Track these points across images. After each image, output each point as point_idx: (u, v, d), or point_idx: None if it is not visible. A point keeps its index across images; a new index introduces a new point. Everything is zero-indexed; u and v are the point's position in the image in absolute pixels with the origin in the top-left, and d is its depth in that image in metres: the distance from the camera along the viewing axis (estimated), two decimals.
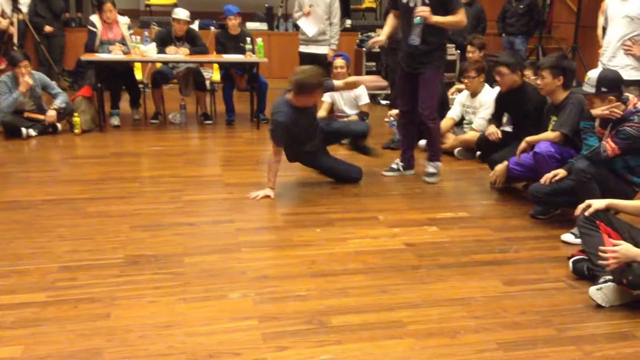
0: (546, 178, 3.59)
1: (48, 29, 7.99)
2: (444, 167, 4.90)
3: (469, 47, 5.97)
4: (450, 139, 5.33)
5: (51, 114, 5.69)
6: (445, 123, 5.36)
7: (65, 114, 5.80)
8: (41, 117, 5.71)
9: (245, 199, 4.11)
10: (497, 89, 5.30)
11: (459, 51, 7.80)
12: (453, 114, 5.43)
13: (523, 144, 3.92)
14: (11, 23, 7.36)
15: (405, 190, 4.39)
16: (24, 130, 5.54)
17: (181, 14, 6.24)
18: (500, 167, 4.23)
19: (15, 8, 7.36)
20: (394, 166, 4.78)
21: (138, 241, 3.32)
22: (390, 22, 4.53)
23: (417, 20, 4.11)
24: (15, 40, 7.19)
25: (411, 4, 4.22)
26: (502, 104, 4.71)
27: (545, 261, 3.21)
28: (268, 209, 3.95)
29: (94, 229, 3.48)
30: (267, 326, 2.48)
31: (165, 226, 3.57)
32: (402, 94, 4.58)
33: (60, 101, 5.78)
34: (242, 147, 5.71)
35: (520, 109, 4.51)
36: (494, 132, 4.62)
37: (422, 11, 4.08)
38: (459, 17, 4.18)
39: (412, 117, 4.56)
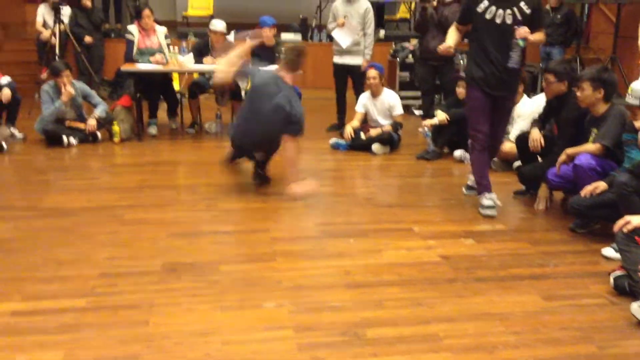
0: (586, 191, 3.52)
1: (88, 39, 8.18)
2: None
3: None
4: None
5: (91, 122, 5.83)
6: None
7: (104, 123, 5.93)
8: (82, 125, 5.86)
9: (279, 208, 4.13)
10: (535, 99, 5.25)
11: None
12: None
13: (563, 156, 3.86)
14: (53, 34, 7.57)
15: (440, 202, 4.35)
16: (65, 138, 5.68)
17: (218, 25, 6.34)
18: (543, 191, 4.18)
19: (58, 19, 7.57)
20: (470, 183, 4.51)
21: (175, 249, 3.37)
22: (454, 35, 4.13)
23: (521, 42, 3.76)
24: (57, 50, 7.39)
25: (499, 21, 3.81)
26: (548, 109, 4.61)
27: (586, 276, 3.14)
28: (302, 219, 3.96)
29: (132, 236, 3.54)
30: (302, 336, 2.48)
31: (201, 234, 3.61)
32: (483, 115, 4.01)
33: (100, 110, 5.93)
34: (277, 156, 5.73)
35: (562, 118, 4.42)
36: (536, 139, 4.45)
37: (525, 32, 3.72)
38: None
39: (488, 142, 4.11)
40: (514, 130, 5.11)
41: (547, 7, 8.02)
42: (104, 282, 2.94)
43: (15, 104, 5.95)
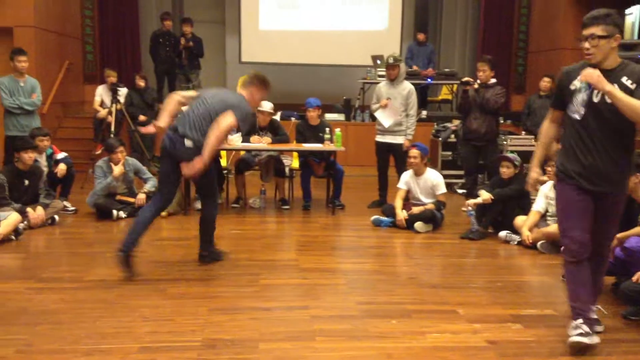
0: (638, 276, 3.39)
1: (142, 117, 8.58)
2: (527, 261, 4.72)
3: None
4: (534, 232, 5.17)
5: (141, 197, 6.02)
6: (532, 217, 5.23)
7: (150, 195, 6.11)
8: (132, 200, 6.05)
9: (319, 285, 4.10)
10: None
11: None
12: (538, 207, 5.27)
13: (614, 241, 3.74)
14: (110, 112, 7.99)
15: (486, 283, 4.24)
16: (114, 212, 5.87)
17: (266, 106, 6.58)
18: None
19: (115, 99, 8.01)
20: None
21: (216, 324, 3.36)
22: (550, 130, 3.37)
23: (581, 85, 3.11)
24: (112, 128, 7.77)
25: (597, 100, 3.06)
26: None
27: None
28: (343, 297, 3.91)
29: (174, 310, 3.56)
30: None
31: (242, 310, 3.60)
32: (578, 218, 3.16)
33: (150, 185, 6.13)
34: (318, 232, 5.76)
35: None
36: None
37: (590, 74, 3.01)
38: None
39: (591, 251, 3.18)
40: None
41: None
42: (144, 356, 2.94)
43: (70, 178, 6.23)
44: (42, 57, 8.75)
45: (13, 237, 5.03)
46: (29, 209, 5.41)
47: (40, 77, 7.34)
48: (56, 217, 5.72)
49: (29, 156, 5.51)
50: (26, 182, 5.56)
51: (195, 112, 4.20)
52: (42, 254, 4.92)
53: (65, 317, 3.41)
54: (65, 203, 6.18)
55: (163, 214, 6.04)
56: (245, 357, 2.97)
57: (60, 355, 2.94)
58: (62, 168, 6.08)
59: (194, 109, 4.22)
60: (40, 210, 5.51)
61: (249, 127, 4.27)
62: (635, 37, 9.60)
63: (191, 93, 4.47)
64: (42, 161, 6.05)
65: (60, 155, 6.30)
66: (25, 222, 5.32)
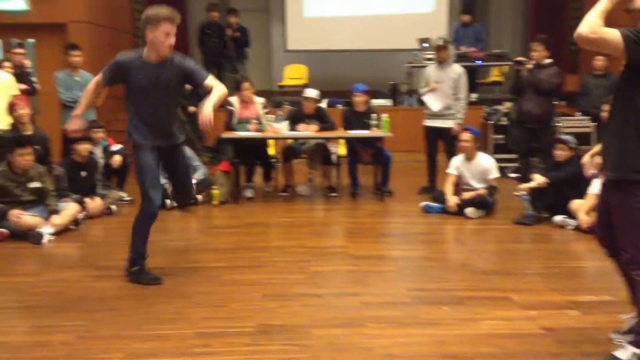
0: None
1: (192, 109, 8.73)
2: (584, 246, 4.59)
3: (604, 106, 5.68)
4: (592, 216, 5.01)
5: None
6: (589, 201, 5.07)
7: (203, 185, 6.21)
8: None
9: (369, 271, 4.10)
10: None
11: (595, 123, 7.46)
12: (595, 189, 5.10)
13: None
14: None
15: (541, 269, 4.15)
16: (167, 201, 6.00)
17: (310, 92, 6.59)
18: None
19: None
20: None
21: (268, 310, 3.41)
22: None
23: None
24: None
25: None
26: None
27: None
28: (393, 283, 3.90)
29: (228, 296, 3.62)
30: None
31: (293, 296, 3.64)
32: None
33: (199, 174, 6.23)
34: (366, 219, 5.75)
35: None
36: None
37: None
38: None
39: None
40: None
41: None
42: (200, 342, 3.01)
43: (125, 169, 6.40)
44: (95, 51, 8.98)
45: (73, 227, 5.22)
46: (87, 200, 5.60)
47: (95, 71, 7.48)
48: (113, 207, 5.90)
49: (83, 148, 5.69)
50: (83, 173, 5.76)
51: None
52: (100, 243, 5.09)
53: (123, 304, 3.53)
54: (122, 193, 6.37)
55: (215, 202, 6.16)
56: (298, 342, 3.00)
57: (119, 340, 3.04)
58: (117, 159, 6.26)
59: None
60: (98, 200, 5.70)
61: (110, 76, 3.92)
62: None
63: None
64: (98, 153, 6.23)
65: (116, 147, 6.48)
66: (84, 213, 5.52)
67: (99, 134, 6.25)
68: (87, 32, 8.81)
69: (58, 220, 5.04)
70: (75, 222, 5.27)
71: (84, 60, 7.14)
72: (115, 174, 6.38)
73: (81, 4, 8.77)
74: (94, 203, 5.65)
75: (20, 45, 6.40)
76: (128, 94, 3.83)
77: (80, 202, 5.45)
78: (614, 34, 2.49)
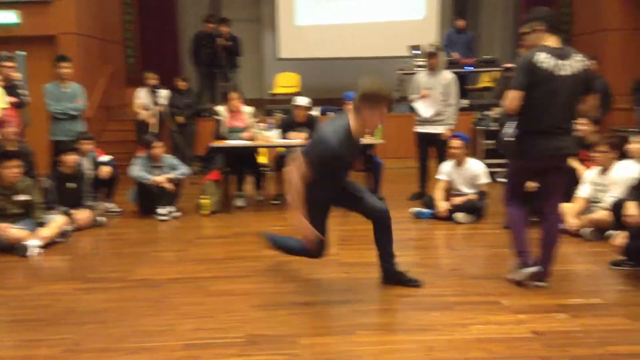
0: None
1: (180, 119, 8.75)
2: (573, 249, 4.59)
3: (582, 120, 5.71)
4: (580, 220, 5.02)
5: (160, 179, 6.02)
6: (577, 204, 5.08)
7: (176, 183, 6.17)
8: (164, 185, 6.06)
9: (360, 279, 4.08)
10: (632, 164, 5.00)
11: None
12: (584, 193, 5.12)
13: None
14: (152, 114, 8.16)
15: None
16: (160, 211, 5.98)
17: (301, 100, 6.59)
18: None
19: (155, 101, 8.18)
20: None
21: (257, 320, 3.39)
22: None
23: None
24: (154, 130, 7.92)
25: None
26: None
27: None
28: (383, 290, 3.88)
29: (216, 307, 3.60)
30: None
31: (283, 305, 3.61)
32: None
33: (178, 172, 6.20)
34: (358, 225, 5.68)
35: None
36: (634, 215, 4.17)
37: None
38: None
39: None
40: (609, 198, 4.85)
41: None
42: (189, 353, 2.99)
43: (114, 180, 6.38)
44: (85, 62, 8.99)
45: (60, 239, 5.19)
46: (75, 212, 5.57)
47: (84, 83, 7.54)
48: (102, 218, 5.88)
49: (71, 159, 5.68)
50: (71, 185, 5.73)
51: None
52: (88, 255, 5.06)
53: (111, 316, 3.50)
54: (110, 204, 6.35)
55: (204, 212, 6.14)
56: (287, 352, 2.98)
57: (107, 353, 3.01)
58: (106, 170, 6.23)
59: None
60: (86, 212, 5.68)
61: (344, 164, 3.73)
62: None
63: None
64: (87, 164, 6.21)
65: (104, 158, 6.46)
66: (72, 225, 5.48)
67: (88, 145, 6.23)
68: (77, 44, 8.81)
69: (45, 232, 5.00)
70: (63, 234, 5.24)
71: (74, 72, 7.13)
72: (104, 186, 6.36)
73: (71, 15, 8.78)
74: (82, 215, 5.62)
75: (10, 59, 6.38)
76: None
77: (68, 214, 5.42)
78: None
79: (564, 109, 3.60)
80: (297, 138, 6.38)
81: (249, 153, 6.72)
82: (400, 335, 3.17)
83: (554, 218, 3.85)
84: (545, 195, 3.86)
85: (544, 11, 3.70)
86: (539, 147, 3.63)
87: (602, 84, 7.79)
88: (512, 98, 3.62)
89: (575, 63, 3.57)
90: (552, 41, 3.59)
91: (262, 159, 7.12)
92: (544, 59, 3.51)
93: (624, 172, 4.88)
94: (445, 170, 5.98)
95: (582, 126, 5.72)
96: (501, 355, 2.89)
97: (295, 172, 3.55)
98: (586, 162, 5.60)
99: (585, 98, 3.68)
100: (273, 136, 6.29)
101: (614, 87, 7.96)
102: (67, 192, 5.69)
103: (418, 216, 5.84)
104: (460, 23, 10.23)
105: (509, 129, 3.65)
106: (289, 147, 6.63)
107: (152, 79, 8.77)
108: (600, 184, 5.04)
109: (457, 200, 5.74)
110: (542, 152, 3.64)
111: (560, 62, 3.53)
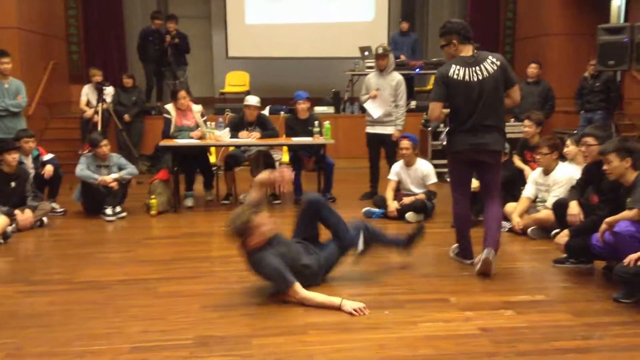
0: (630, 259, 3.40)
1: (127, 117, 8.55)
2: (518, 247, 4.73)
3: (526, 122, 5.93)
4: (524, 219, 5.17)
5: (107, 179, 5.86)
6: (522, 204, 5.23)
7: (123, 183, 6.04)
8: (111, 185, 5.90)
9: None
10: (571, 165, 5.18)
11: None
12: (528, 193, 5.28)
13: (604, 226, 3.74)
14: (96, 112, 7.92)
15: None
16: (108, 211, 5.83)
17: (252, 100, 6.55)
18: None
19: (101, 98, 7.95)
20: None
21: (207, 321, 3.34)
22: None
23: None
24: (99, 127, 7.70)
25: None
26: (588, 175, 4.51)
27: (633, 349, 2.98)
28: (334, 289, 3.89)
29: (165, 309, 3.53)
30: None
31: (233, 306, 3.58)
32: None
33: (125, 172, 6.04)
34: None
35: (604, 183, 4.31)
36: (575, 214, 4.33)
37: None
38: None
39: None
40: (551, 198, 5.01)
41: (587, 74, 8.05)
42: (136, 356, 2.92)
43: (57, 179, 6.18)
44: (26, 58, 8.66)
45: (1, 241, 4.99)
46: (16, 212, 5.36)
47: (25, 78, 7.26)
48: (45, 219, 5.67)
49: (12, 157, 5.46)
50: (12, 184, 5.51)
51: None
52: (31, 257, 4.88)
53: (55, 320, 3.38)
54: (54, 205, 6.14)
55: (152, 212, 6.01)
56: (238, 353, 2.95)
57: (51, 357, 2.91)
58: (49, 169, 6.03)
59: None
60: (28, 212, 5.46)
61: None
62: (622, 20, 9.62)
63: None
64: (29, 163, 5.99)
65: (47, 156, 6.25)
66: (14, 225, 5.28)
67: (30, 143, 6.00)
68: (17, 38, 8.48)
69: None
70: (4, 235, 5.03)
71: (14, 67, 6.86)
72: (47, 185, 6.14)
73: (12, 9, 8.44)
74: (24, 215, 5.42)
75: None
76: None
77: (10, 215, 5.21)
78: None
79: (486, 109, 4.00)
80: (248, 137, 6.34)
81: (201, 152, 6.62)
82: (351, 334, 3.19)
83: (495, 210, 4.27)
84: (484, 194, 4.35)
85: (457, 24, 4.10)
86: (463, 142, 4.09)
87: (544, 87, 8.08)
88: (433, 109, 4.11)
89: (489, 66, 3.98)
90: (466, 51, 4.03)
91: (212, 158, 7.03)
92: (456, 71, 3.97)
93: (565, 172, 5.06)
94: (395, 170, 6.06)
95: (526, 128, 5.92)
96: (450, 352, 2.95)
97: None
98: (531, 162, 5.79)
99: (509, 92, 4.08)
100: (223, 135, 6.22)
101: (556, 90, 8.26)
102: (8, 191, 5.46)
103: (369, 215, 5.89)
104: (404, 25, 10.38)
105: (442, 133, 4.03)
106: (239, 146, 6.59)
107: (97, 75, 8.53)
108: (543, 184, 5.21)
109: (407, 199, 5.82)
110: (465, 146, 4.09)
111: (472, 69, 3.97)
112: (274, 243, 3.74)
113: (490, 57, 4.04)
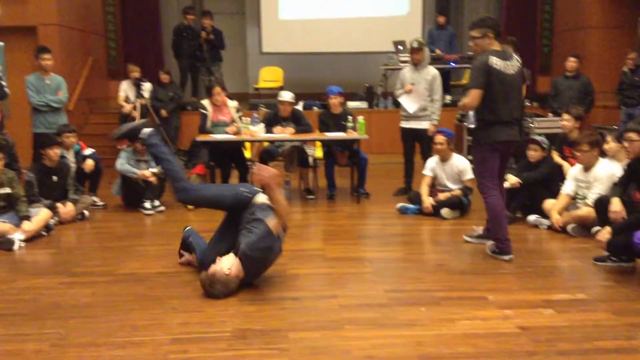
0: None
1: (164, 113, 8.68)
2: (557, 245, 4.65)
3: (565, 116, 5.82)
4: (564, 216, 5.08)
5: (146, 173, 6.02)
6: (561, 201, 5.15)
7: (161, 177, 6.08)
8: (150, 179, 6.05)
9: (347, 274, 4.10)
10: (613, 162, 5.07)
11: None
12: (568, 189, 5.18)
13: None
14: (134, 107, 8.07)
15: (516, 269, 4.18)
16: (146, 205, 5.95)
17: (285, 95, 6.58)
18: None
19: (138, 94, 8.09)
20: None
21: (245, 314, 3.38)
22: None
23: None
24: None
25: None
26: (630, 171, 4.41)
27: None
28: (370, 285, 3.90)
29: (204, 301, 3.58)
30: None
31: (270, 300, 3.61)
32: None
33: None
34: (343, 221, 5.75)
35: None
36: (617, 211, 4.25)
37: None
38: None
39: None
40: (592, 195, 4.91)
41: (625, 68, 7.86)
42: (177, 348, 2.97)
43: (98, 173, 6.32)
44: (66, 54, 8.86)
45: (44, 233, 5.12)
46: (58, 205, 5.50)
47: (65, 74, 7.43)
48: (86, 212, 5.81)
49: (54, 152, 5.60)
50: (54, 178, 5.66)
51: None
52: (73, 249, 5.00)
53: (97, 311, 3.46)
54: (94, 198, 6.28)
55: (190, 207, 6.10)
56: (276, 346, 2.98)
57: (94, 348, 2.98)
58: (89, 164, 6.17)
59: None
60: (70, 205, 5.61)
61: None
62: None
63: None
64: (70, 157, 6.14)
65: (88, 151, 6.39)
66: (56, 218, 5.42)
67: (71, 138, 6.15)
68: (58, 35, 8.68)
69: (29, 226, 4.93)
70: (47, 228, 5.17)
71: (55, 63, 7.02)
72: (87, 179, 6.29)
73: (51, 6, 8.64)
74: (66, 208, 5.55)
75: None
76: None
77: (52, 208, 5.35)
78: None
79: (514, 102, 4.22)
80: (283, 132, 6.37)
81: (236, 147, 6.69)
82: (388, 330, 3.18)
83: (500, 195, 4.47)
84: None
85: (493, 20, 4.31)
86: (502, 133, 4.21)
87: (584, 81, 7.90)
88: (474, 96, 4.13)
89: (515, 63, 4.24)
90: (496, 46, 4.21)
91: (247, 153, 7.09)
92: (496, 61, 4.12)
93: (606, 169, 4.95)
94: (430, 165, 6.01)
95: (565, 122, 5.81)
96: (489, 350, 2.92)
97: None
98: (569, 158, 5.68)
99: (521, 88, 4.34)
100: (258, 130, 6.27)
101: (595, 84, 8.07)
102: (50, 185, 5.61)
103: (403, 211, 5.87)
104: (441, 19, 10.31)
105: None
106: (273, 141, 6.63)
107: (135, 71, 8.68)
108: (584, 180, 5.11)
109: (442, 195, 5.78)
110: (504, 137, 4.21)
111: (506, 62, 4.17)
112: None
113: (513, 55, 4.30)
